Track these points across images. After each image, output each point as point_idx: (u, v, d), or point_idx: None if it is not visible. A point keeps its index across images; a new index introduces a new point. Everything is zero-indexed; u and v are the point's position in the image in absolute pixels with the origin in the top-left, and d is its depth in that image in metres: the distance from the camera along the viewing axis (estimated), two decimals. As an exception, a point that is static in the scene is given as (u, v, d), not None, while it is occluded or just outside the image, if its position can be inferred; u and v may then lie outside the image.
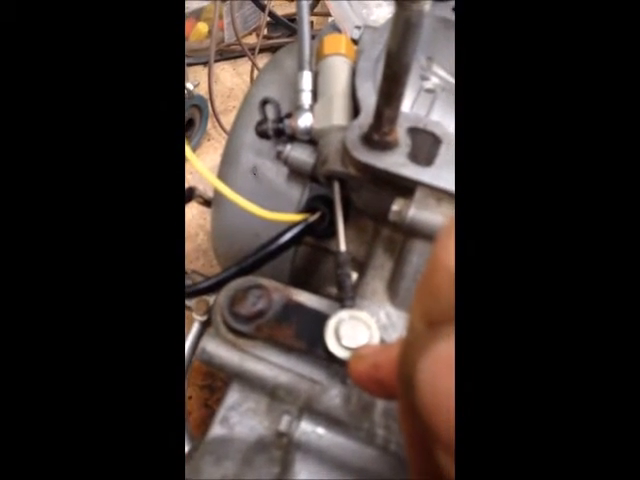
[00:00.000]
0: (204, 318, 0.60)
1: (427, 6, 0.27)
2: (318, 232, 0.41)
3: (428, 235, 0.34)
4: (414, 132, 0.36)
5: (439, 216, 0.34)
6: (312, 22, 1.07)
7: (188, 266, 0.75)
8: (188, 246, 0.78)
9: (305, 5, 0.42)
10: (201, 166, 0.39)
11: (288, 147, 0.41)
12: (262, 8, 0.96)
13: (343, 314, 0.32)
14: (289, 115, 0.40)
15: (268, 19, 0.98)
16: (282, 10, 1.09)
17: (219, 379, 0.65)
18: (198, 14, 0.99)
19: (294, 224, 0.40)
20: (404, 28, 0.27)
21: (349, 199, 0.40)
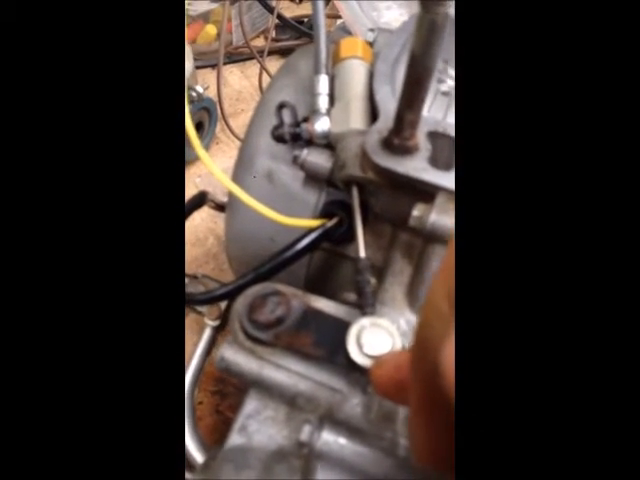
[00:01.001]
0: (216, 323, 0.59)
1: (452, 9, 0.26)
2: (335, 237, 0.41)
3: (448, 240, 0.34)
4: (433, 136, 0.36)
5: (461, 221, 0.33)
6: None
7: (198, 270, 0.74)
8: (198, 250, 0.77)
9: (321, 8, 0.41)
10: (217, 170, 0.38)
11: (305, 151, 0.40)
12: (270, 10, 0.96)
13: (364, 321, 0.32)
14: (306, 119, 0.40)
15: (276, 21, 0.98)
16: (290, 12, 1.09)
17: (230, 384, 0.65)
18: (206, 17, 0.99)
19: (311, 229, 0.39)
20: (429, 31, 0.27)
21: (366, 204, 0.40)
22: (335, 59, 0.42)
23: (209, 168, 0.38)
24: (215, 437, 0.63)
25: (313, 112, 0.40)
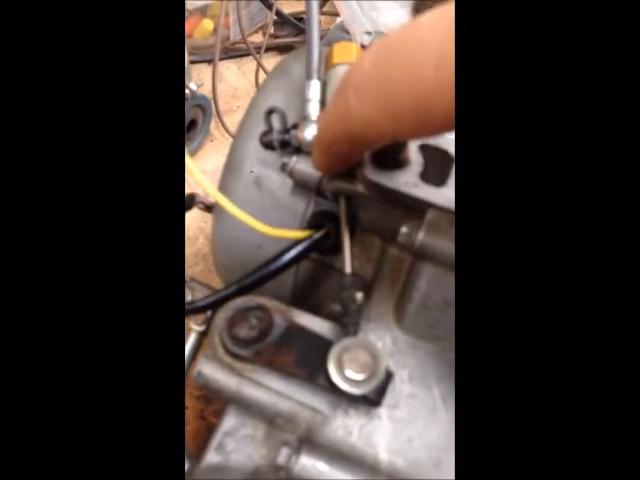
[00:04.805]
0: (202, 328, 0.58)
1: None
2: (322, 249, 0.39)
3: (438, 259, 0.33)
4: (425, 149, 0.35)
5: (450, 240, 0.32)
6: (320, 21, 1.06)
7: (187, 271, 0.73)
8: (187, 250, 0.76)
9: (315, 12, 0.40)
10: (203, 180, 0.37)
11: (293, 159, 0.39)
12: (269, 6, 0.94)
13: (347, 342, 0.31)
14: (295, 126, 0.39)
15: (275, 17, 0.96)
16: (289, 8, 1.07)
17: (216, 389, 0.63)
18: (203, 11, 0.98)
19: (298, 241, 0.38)
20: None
21: (355, 215, 0.38)
22: (327, 64, 0.40)
23: (195, 177, 0.36)
24: (198, 442, 0.62)
25: (303, 119, 0.39)
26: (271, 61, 0.98)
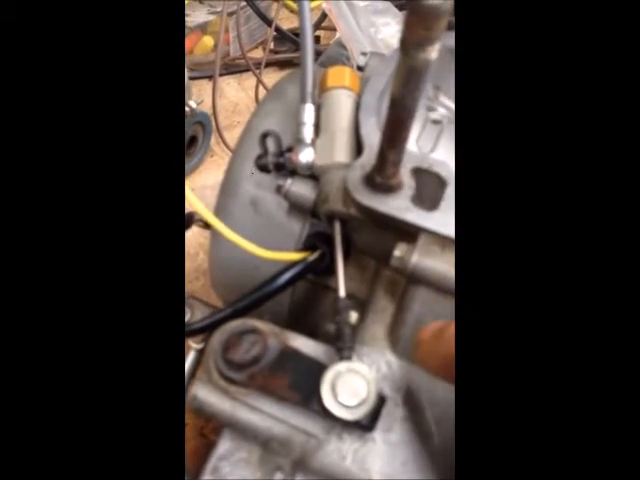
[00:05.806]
0: (200, 346, 0.58)
1: (434, 54, 0.25)
2: (318, 270, 0.40)
3: (431, 282, 0.33)
4: (418, 172, 0.35)
5: (443, 263, 0.32)
6: (319, 36, 1.06)
7: (187, 286, 0.73)
8: (188, 265, 0.76)
9: (309, 38, 0.40)
10: (201, 206, 0.37)
11: (288, 181, 0.39)
12: (268, 22, 0.95)
13: (340, 367, 0.31)
14: (290, 149, 0.39)
15: (274, 33, 0.97)
16: (289, 24, 1.08)
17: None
18: (204, 27, 0.98)
19: (292, 264, 0.38)
20: (408, 75, 0.26)
21: (350, 237, 0.39)
22: (322, 88, 0.41)
23: (193, 204, 0.37)
24: (196, 460, 0.62)
25: (297, 142, 0.39)
26: (271, 76, 0.99)
